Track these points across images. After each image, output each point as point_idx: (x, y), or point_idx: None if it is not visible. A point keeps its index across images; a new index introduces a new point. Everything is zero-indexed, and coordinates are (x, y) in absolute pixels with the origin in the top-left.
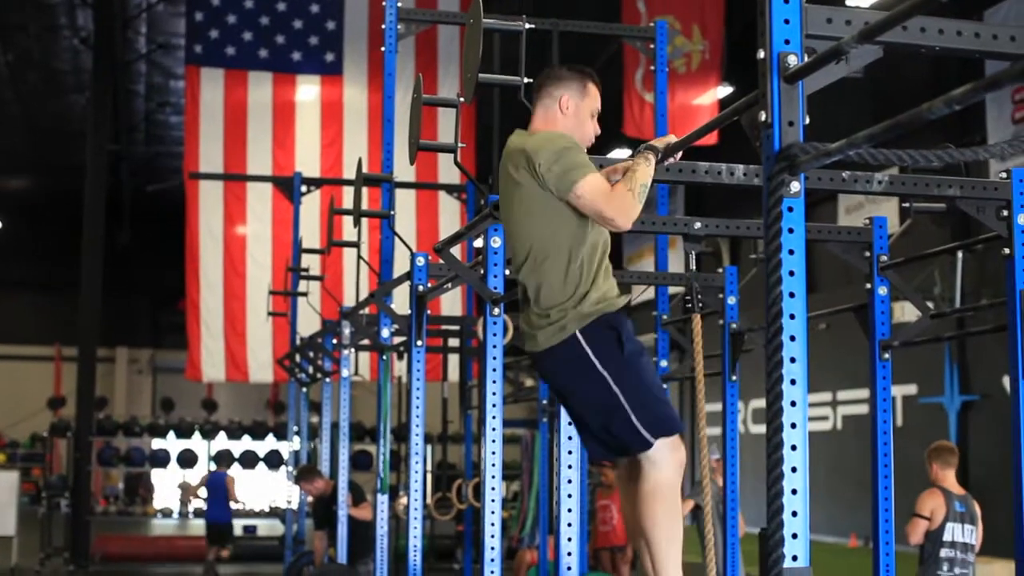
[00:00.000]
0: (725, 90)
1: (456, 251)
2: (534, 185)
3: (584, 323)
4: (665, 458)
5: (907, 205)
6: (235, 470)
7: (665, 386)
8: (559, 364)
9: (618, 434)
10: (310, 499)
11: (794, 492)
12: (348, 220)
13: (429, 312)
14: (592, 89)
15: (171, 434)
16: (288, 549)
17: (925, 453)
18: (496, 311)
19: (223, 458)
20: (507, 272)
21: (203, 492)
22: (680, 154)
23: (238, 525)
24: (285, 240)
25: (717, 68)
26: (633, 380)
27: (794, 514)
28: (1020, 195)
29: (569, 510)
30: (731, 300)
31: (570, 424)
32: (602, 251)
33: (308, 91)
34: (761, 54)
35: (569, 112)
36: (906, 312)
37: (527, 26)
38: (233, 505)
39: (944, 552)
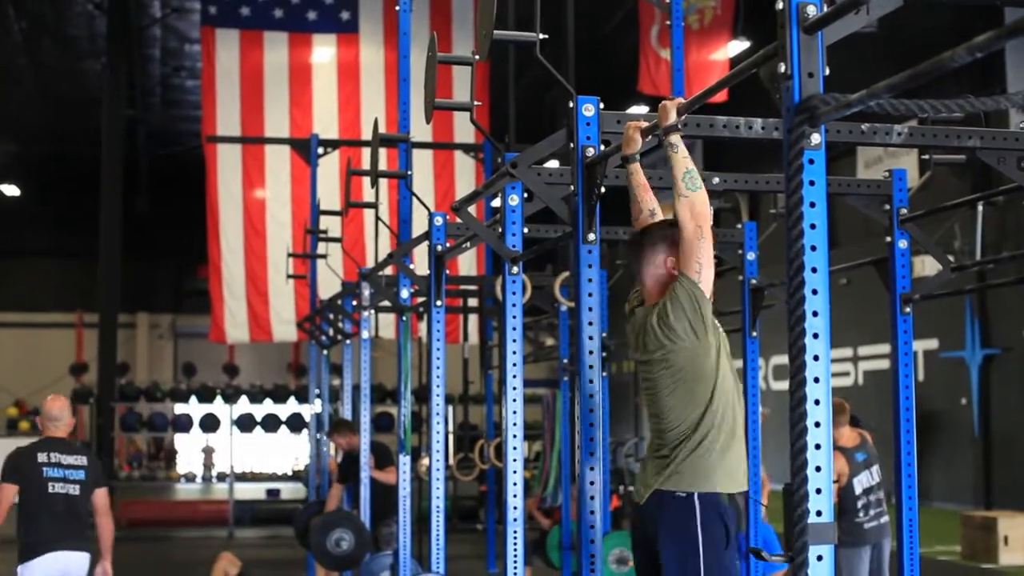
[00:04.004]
0: (737, 46)
1: (473, 210)
2: (677, 344)
3: (705, 488)
4: None
5: (927, 157)
6: (257, 433)
7: None
8: (661, 513)
9: None
10: (332, 454)
11: (818, 447)
12: (366, 181)
13: (448, 272)
14: (672, 233)
15: (193, 399)
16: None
17: None
18: (515, 270)
19: (245, 422)
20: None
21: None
22: (696, 108)
23: (260, 489)
24: (305, 200)
25: (729, 24)
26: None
27: (818, 469)
28: None
29: (591, 468)
30: (750, 256)
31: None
32: (732, 417)
33: (324, 50)
34: (780, 4)
35: (675, 268)
36: (927, 266)
37: None
38: None
39: (859, 503)
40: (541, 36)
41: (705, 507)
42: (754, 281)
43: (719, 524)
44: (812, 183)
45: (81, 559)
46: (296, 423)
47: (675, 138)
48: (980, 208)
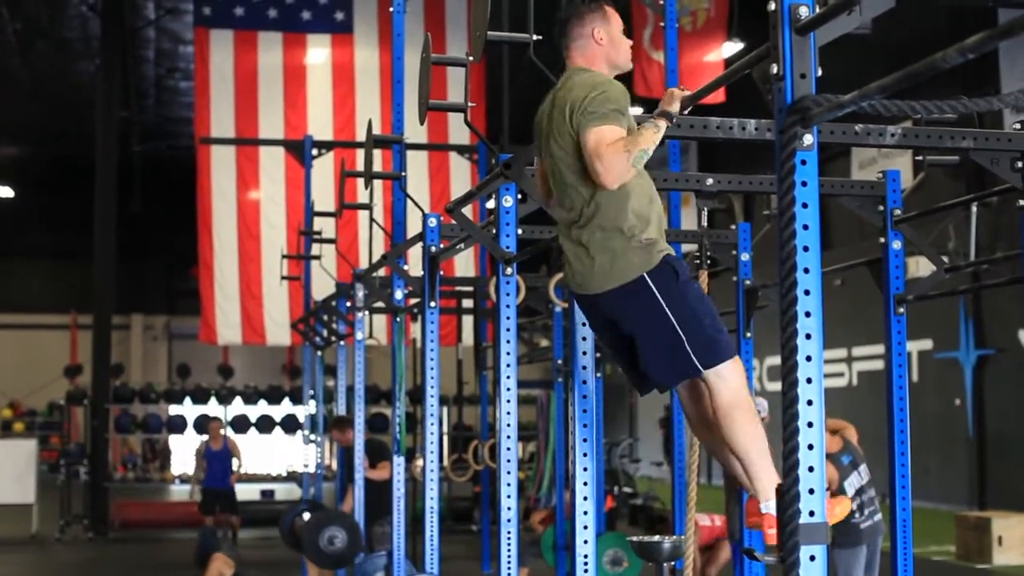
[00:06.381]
0: (730, 48)
1: (468, 211)
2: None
3: (650, 266)
4: (729, 370)
5: (921, 158)
6: (252, 435)
7: None
8: (623, 304)
9: (676, 365)
10: (326, 455)
11: (810, 447)
12: (361, 182)
13: (442, 273)
14: (611, 11)
15: (187, 400)
16: None
17: None
18: (509, 271)
19: (239, 423)
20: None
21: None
22: (689, 109)
23: (255, 490)
24: (299, 202)
25: (723, 26)
26: (688, 312)
27: (811, 469)
28: None
29: (585, 469)
30: (744, 257)
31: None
32: (650, 198)
33: (318, 51)
34: (772, 5)
35: (604, 41)
36: (920, 267)
37: None
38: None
39: (853, 504)
40: (535, 37)
41: (655, 277)
42: (748, 282)
43: (669, 273)
44: (804, 184)
45: None
46: (291, 424)
47: (662, 123)
48: (974, 209)
